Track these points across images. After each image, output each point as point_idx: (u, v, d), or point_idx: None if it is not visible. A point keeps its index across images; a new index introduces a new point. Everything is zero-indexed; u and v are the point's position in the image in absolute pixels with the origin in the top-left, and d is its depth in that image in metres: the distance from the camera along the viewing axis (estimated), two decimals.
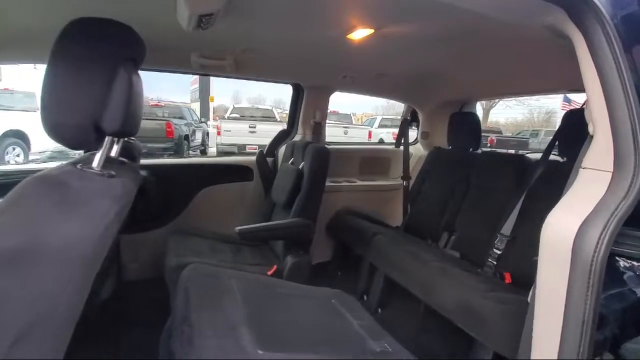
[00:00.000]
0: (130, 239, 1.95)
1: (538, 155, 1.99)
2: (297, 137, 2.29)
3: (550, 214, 0.75)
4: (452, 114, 2.36)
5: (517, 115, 21.64)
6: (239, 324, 0.93)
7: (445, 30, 1.28)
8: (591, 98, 0.74)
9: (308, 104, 2.24)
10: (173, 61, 1.79)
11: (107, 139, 0.74)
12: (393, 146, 2.69)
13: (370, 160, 2.69)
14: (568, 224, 0.69)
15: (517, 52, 1.48)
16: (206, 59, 1.71)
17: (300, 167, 1.79)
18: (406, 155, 2.57)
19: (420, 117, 2.62)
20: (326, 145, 1.98)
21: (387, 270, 1.76)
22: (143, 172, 1.97)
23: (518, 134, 14.48)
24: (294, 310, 1.12)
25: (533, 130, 14.74)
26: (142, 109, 0.87)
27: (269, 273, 1.60)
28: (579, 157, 0.80)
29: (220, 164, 2.29)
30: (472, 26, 1.22)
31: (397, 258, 1.68)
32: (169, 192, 2.02)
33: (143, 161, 2.05)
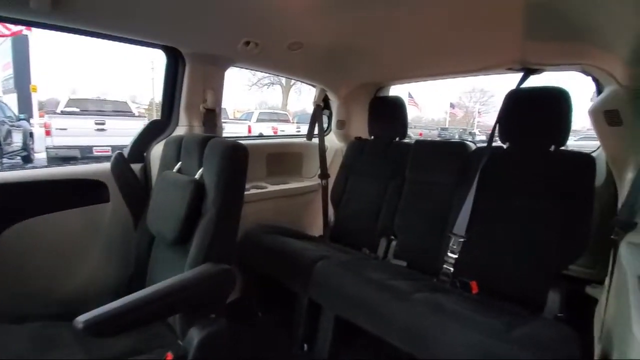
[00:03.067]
0: None
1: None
2: (180, 130, 1.54)
3: None
4: (373, 99, 2.04)
5: None
6: None
7: None
8: None
9: (194, 81, 1.51)
10: None
11: None
12: (304, 139, 2.21)
13: (278, 158, 2.14)
14: None
15: (456, 22, 1.22)
16: None
17: (197, 176, 1.10)
18: (322, 149, 2.15)
19: (334, 103, 2.22)
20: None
21: (341, 311, 1.27)
22: None
23: None
24: None
25: None
26: None
27: None
28: None
29: (50, 180, 1.31)
30: None
31: (358, 294, 1.20)
32: None
33: None
